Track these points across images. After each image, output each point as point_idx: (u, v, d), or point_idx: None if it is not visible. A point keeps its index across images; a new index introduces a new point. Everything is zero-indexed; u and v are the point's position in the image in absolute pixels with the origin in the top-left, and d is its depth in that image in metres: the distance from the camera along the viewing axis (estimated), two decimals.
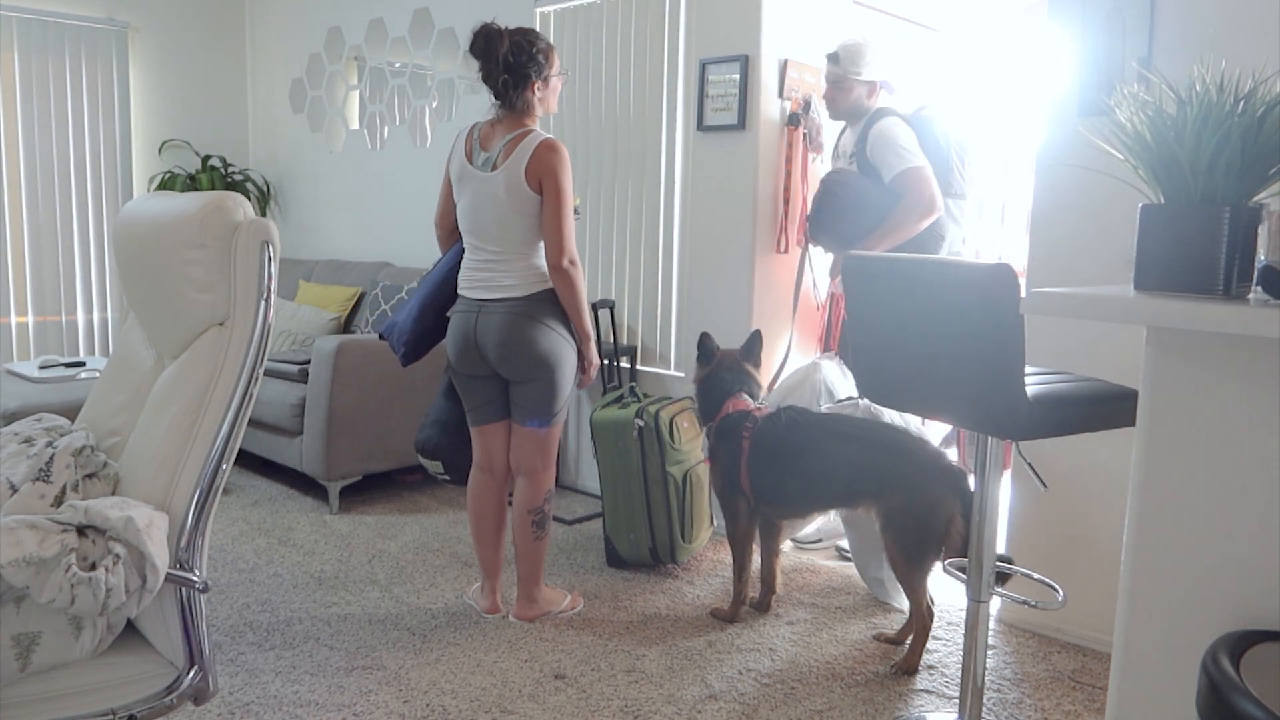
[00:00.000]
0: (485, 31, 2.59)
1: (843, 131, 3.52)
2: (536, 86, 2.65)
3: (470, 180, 2.67)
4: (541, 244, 2.66)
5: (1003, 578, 2.46)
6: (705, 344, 3.02)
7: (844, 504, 2.76)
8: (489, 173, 2.62)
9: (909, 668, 2.60)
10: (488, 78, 2.64)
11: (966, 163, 3.38)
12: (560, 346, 2.69)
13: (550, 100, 2.72)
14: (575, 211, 2.83)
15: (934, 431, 3.53)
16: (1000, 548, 2.91)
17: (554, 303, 2.69)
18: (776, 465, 2.77)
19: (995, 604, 2.78)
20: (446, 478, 3.03)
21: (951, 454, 3.46)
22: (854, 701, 2.43)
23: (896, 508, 2.58)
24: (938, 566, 2.58)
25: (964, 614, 2.39)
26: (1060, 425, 1.86)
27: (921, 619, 2.62)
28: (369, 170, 5.25)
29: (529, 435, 2.76)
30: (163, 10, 5.61)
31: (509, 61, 2.60)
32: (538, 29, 4.24)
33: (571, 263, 2.64)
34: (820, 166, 3.79)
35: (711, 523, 3.49)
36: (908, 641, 2.69)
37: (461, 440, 2.94)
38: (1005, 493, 2.76)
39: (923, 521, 2.55)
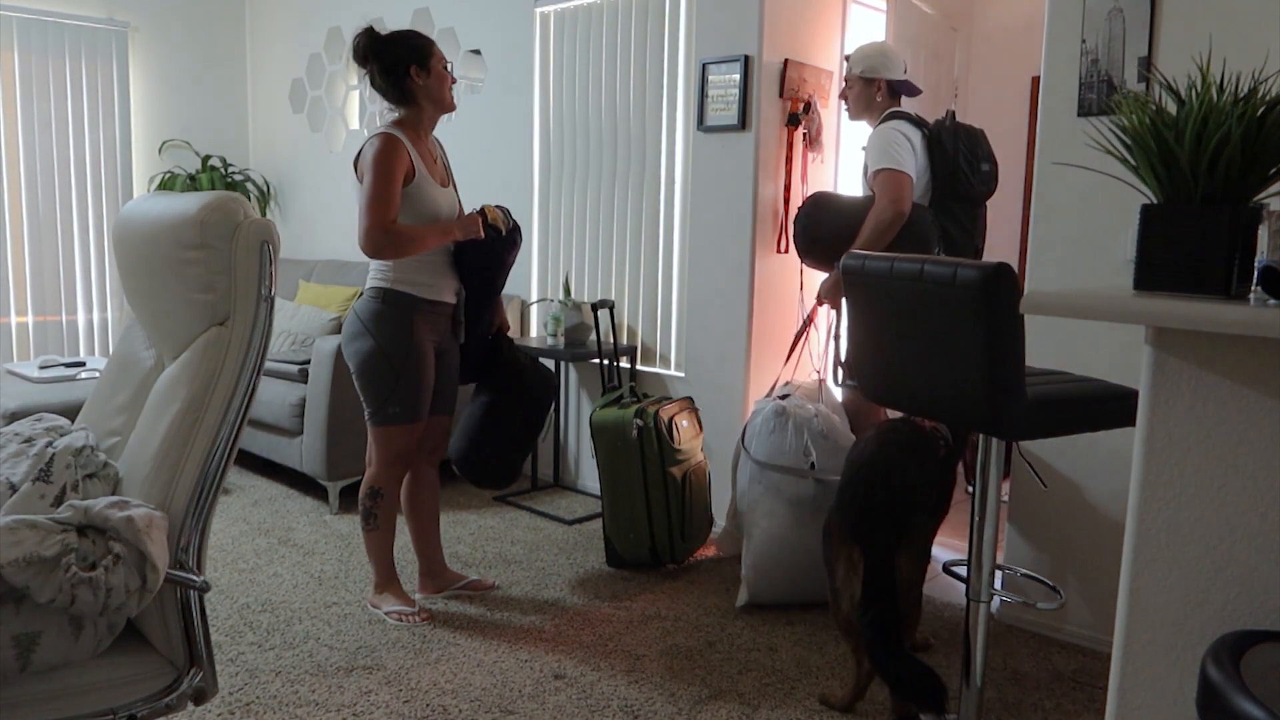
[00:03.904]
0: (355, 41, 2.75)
1: None
2: (414, 71, 2.71)
3: None
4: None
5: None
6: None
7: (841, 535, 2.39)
8: None
9: (834, 703, 2.38)
10: (371, 83, 2.79)
11: (976, 166, 3.14)
12: (362, 350, 2.70)
13: (435, 89, 2.73)
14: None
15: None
16: (999, 548, 2.91)
17: (382, 301, 2.71)
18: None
19: (994, 604, 2.78)
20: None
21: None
22: None
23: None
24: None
25: (963, 614, 2.38)
26: (1060, 425, 1.86)
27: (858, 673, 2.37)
28: None
29: None
30: (163, 10, 5.61)
31: (377, 53, 2.75)
32: (537, 29, 4.25)
33: (379, 233, 2.60)
34: (820, 167, 3.79)
35: (711, 522, 3.49)
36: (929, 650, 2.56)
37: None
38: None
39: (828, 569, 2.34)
